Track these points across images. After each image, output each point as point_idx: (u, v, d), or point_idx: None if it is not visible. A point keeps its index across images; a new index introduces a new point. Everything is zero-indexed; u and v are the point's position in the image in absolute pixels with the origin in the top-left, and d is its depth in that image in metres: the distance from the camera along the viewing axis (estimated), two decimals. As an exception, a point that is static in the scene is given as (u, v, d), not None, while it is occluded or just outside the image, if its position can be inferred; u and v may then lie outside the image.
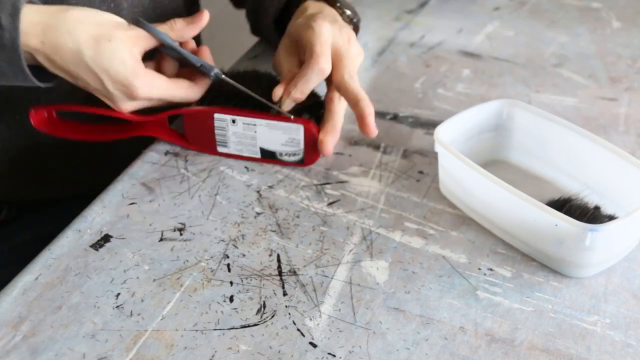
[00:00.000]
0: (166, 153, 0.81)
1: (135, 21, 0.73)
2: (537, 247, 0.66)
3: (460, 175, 0.71)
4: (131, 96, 0.72)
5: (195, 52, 0.77)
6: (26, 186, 0.89)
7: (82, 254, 0.69)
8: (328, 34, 0.76)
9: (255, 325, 0.62)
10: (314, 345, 0.60)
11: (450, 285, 0.65)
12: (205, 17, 0.76)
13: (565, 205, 0.67)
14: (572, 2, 1.11)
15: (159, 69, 0.77)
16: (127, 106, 0.74)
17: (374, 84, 0.93)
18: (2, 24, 0.67)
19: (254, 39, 1.03)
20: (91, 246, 0.69)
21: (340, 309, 0.63)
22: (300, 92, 0.75)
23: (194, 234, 0.71)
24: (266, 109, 0.77)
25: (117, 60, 0.70)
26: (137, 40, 0.72)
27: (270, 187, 0.76)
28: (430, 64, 0.97)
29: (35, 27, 0.68)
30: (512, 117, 0.77)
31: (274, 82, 0.79)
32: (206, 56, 0.77)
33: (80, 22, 0.70)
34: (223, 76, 0.76)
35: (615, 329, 0.62)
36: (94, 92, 0.74)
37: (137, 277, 0.66)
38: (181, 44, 0.76)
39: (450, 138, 0.73)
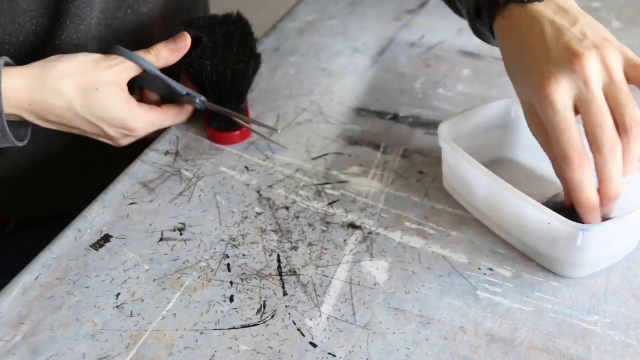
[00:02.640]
0: (166, 153, 0.81)
1: (115, 50, 0.74)
2: (532, 245, 0.67)
3: (460, 171, 0.71)
4: (132, 136, 0.76)
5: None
6: (27, 203, 0.89)
7: (82, 254, 0.69)
8: (558, 103, 0.59)
9: (255, 325, 0.62)
10: (314, 345, 0.60)
11: (450, 285, 0.65)
12: (187, 39, 0.76)
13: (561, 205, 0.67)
14: (572, 2, 1.11)
15: (143, 97, 0.79)
16: (127, 142, 0.77)
17: (374, 84, 0.93)
18: None
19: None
20: (91, 246, 0.69)
21: (340, 309, 0.63)
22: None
23: (194, 234, 0.71)
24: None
25: (110, 108, 0.72)
26: (122, 74, 0.73)
27: (270, 187, 0.76)
28: (430, 64, 0.97)
29: (20, 91, 0.69)
30: (520, 117, 0.77)
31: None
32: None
33: (63, 77, 0.70)
34: (209, 103, 0.79)
35: (615, 329, 0.62)
36: (92, 136, 0.76)
37: (138, 277, 0.66)
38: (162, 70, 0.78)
39: (456, 135, 0.73)
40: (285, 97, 0.90)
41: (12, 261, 0.73)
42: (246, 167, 0.79)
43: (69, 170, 0.89)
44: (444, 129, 0.72)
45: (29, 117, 0.71)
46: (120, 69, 0.73)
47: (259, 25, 1.09)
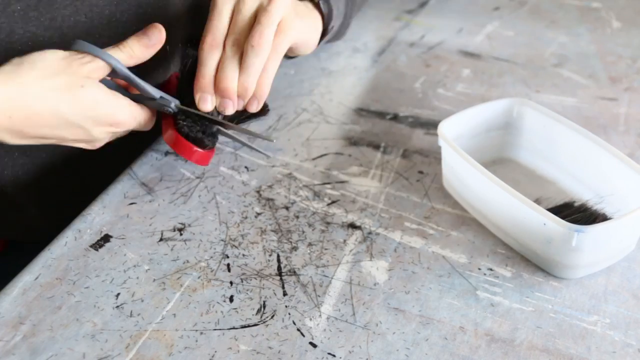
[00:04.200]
0: (166, 153, 0.81)
1: (80, 46, 0.64)
2: (528, 245, 0.67)
3: (459, 170, 0.71)
4: (114, 133, 0.68)
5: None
6: (23, 225, 0.87)
7: (82, 254, 0.69)
8: (219, 2, 0.71)
9: (255, 325, 0.62)
10: (314, 345, 0.60)
11: (450, 285, 0.65)
12: (162, 32, 0.68)
13: (575, 210, 0.67)
14: (572, 2, 1.11)
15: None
16: (105, 141, 0.69)
17: (374, 84, 0.94)
18: None
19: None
20: (91, 246, 0.69)
21: (340, 309, 0.63)
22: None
23: (194, 234, 0.71)
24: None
25: (100, 101, 0.64)
26: (93, 74, 0.64)
27: (270, 187, 0.76)
28: (430, 64, 0.97)
29: None
30: (522, 117, 0.77)
31: None
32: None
33: (44, 78, 0.61)
34: (183, 107, 0.71)
35: (615, 328, 0.62)
36: (70, 143, 0.67)
37: (137, 277, 0.66)
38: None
39: (456, 134, 0.73)
40: (285, 97, 0.90)
41: (12, 265, 0.73)
42: (246, 167, 0.79)
43: (68, 188, 0.85)
44: (443, 129, 0.71)
45: (4, 136, 0.62)
46: (90, 69, 0.64)
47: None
